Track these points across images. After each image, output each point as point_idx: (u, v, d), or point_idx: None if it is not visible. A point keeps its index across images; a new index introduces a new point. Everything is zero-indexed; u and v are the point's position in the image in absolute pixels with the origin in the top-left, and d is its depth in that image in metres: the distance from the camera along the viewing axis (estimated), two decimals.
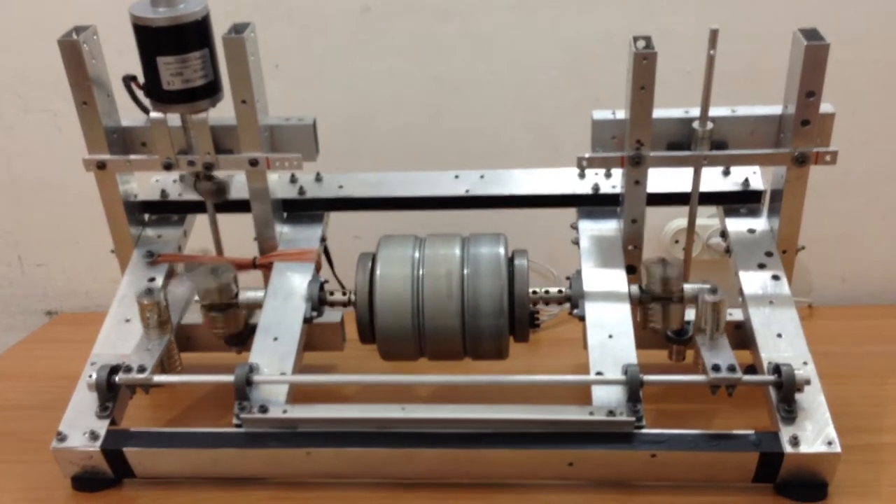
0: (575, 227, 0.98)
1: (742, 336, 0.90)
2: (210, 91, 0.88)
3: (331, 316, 0.98)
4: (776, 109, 0.90)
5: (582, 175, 1.00)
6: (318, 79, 1.16)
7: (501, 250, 0.90)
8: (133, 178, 0.99)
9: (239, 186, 0.98)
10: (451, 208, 1.01)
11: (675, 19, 1.08)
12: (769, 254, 0.93)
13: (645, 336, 0.91)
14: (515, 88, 1.15)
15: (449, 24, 1.12)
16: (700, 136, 0.88)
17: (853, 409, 0.92)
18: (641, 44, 0.85)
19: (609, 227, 0.97)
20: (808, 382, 0.81)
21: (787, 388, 0.80)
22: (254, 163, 0.93)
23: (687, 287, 0.88)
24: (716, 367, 0.83)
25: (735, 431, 0.82)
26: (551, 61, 1.13)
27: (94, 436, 0.84)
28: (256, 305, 0.92)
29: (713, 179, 0.97)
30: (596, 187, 0.99)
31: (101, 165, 0.93)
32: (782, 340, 0.86)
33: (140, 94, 0.89)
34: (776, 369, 0.82)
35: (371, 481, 0.87)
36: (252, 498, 0.86)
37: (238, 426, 0.84)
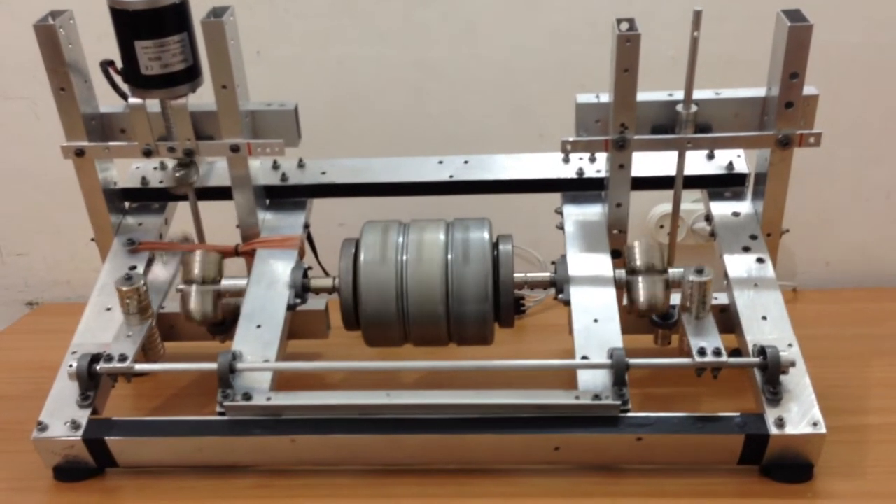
0: (560, 212, 0.98)
1: (727, 319, 0.90)
2: (190, 76, 0.87)
3: (315, 303, 0.97)
4: (760, 92, 0.90)
5: (566, 159, 1.00)
6: (300, 64, 1.15)
7: (486, 235, 0.89)
8: (112, 165, 0.98)
9: (220, 173, 0.97)
10: (435, 194, 1.00)
11: (659, 1, 1.08)
12: (754, 237, 0.93)
13: (630, 321, 0.91)
14: (499, 73, 1.15)
15: (432, 8, 1.11)
16: (684, 118, 0.88)
17: (838, 391, 0.93)
18: (625, 26, 0.84)
19: (594, 211, 0.97)
20: (793, 364, 0.81)
21: (772, 370, 0.80)
22: (235, 149, 0.92)
23: (672, 270, 0.88)
24: (701, 351, 0.83)
25: (720, 414, 0.82)
26: (535, 45, 1.13)
27: (75, 425, 0.83)
28: (239, 293, 0.92)
29: (697, 163, 0.97)
30: (580, 171, 0.99)
31: (80, 153, 0.92)
32: (767, 323, 0.86)
33: (118, 79, 0.87)
34: (761, 351, 0.82)
35: (356, 468, 0.86)
36: (236, 486, 0.85)
37: (221, 414, 0.83)
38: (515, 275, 0.89)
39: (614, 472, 0.85)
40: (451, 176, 1.00)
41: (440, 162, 1.01)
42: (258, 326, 0.89)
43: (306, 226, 1.00)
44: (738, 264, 0.91)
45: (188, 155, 0.91)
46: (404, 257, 0.88)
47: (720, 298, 0.93)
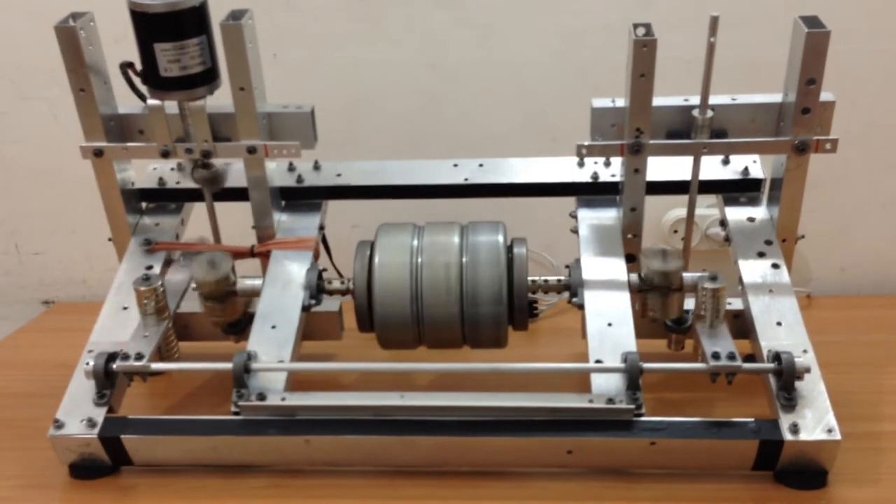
0: (574, 216, 0.98)
1: (741, 325, 0.90)
2: (208, 78, 0.88)
3: (329, 305, 0.98)
4: (776, 97, 0.89)
5: (581, 163, 1.00)
6: (317, 67, 1.16)
7: (500, 238, 0.90)
8: (130, 165, 0.99)
9: (237, 174, 0.98)
10: (450, 197, 1.00)
11: (675, 6, 1.08)
12: (769, 242, 0.93)
13: (644, 325, 0.90)
14: (514, 76, 1.15)
15: (447, 11, 1.12)
16: (700, 124, 0.88)
17: (852, 397, 0.92)
18: (641, 31, 0.84)
19: (608, 215, 0.97)
20: (808, 370, 0.81)
21: (787, 375, 0.80)
22: (252, 150, 0.92)
23: (686, 276, 0.88)
24: (715, 355, 0.82)
25: (735, 419, 0.81)
26: (550, 49, 1.13)
27: (91, 423, 0.84)
28: (254, 294, 0.92)
29: (713, 168, 0.97)
30: (595, 176, 0.99)
31: (98, 153, 0.93)
32: (782, 329, 0.86)
33: (137, 81, 0.88)
34: (776, 357, 0.81)
35: (369, 469, 0.86)
36: (250, 485, 0.86)
37: (236, 414, 0.84)
38: (529, 278, 0.89)
39: (627, 477, 0.84)
40: (466, 179, 1.00)
41: (455, 165, 1.02)
42: (273, 327, 0.89)
43: (321, 227, 1.00)
44: (753, 270, 0.91)
45: (205, 156, 0.92)
46: (419, 260, 0.88)
47: (734, 303, 0.93)
